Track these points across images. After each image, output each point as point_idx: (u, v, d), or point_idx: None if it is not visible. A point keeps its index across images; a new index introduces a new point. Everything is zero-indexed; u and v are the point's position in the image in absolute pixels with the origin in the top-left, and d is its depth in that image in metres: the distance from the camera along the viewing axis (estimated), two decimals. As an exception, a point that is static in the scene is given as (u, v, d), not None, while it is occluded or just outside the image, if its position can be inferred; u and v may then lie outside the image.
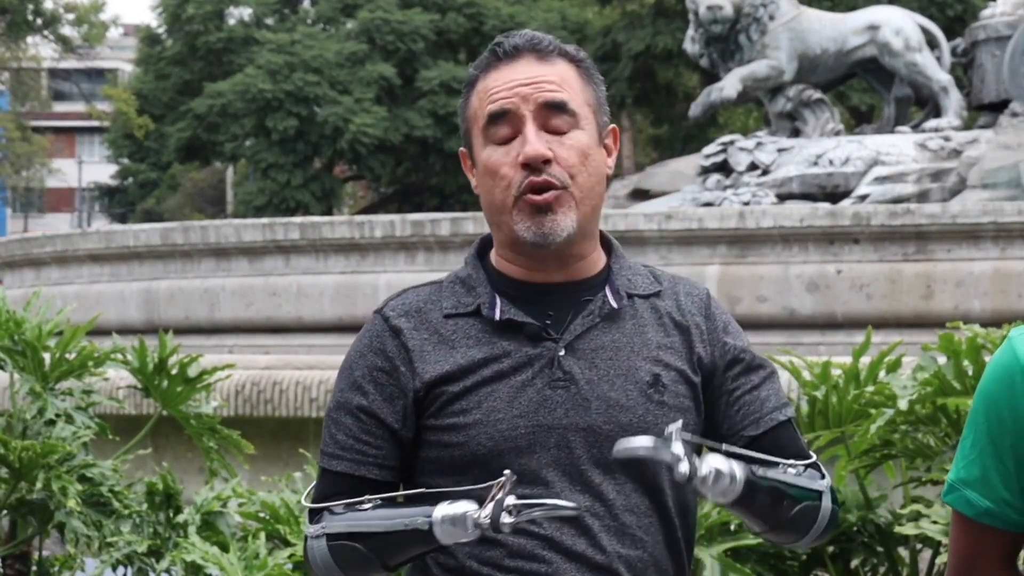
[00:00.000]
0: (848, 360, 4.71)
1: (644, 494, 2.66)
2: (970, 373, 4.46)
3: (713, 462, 2.53)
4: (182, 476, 5.82)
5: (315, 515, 2.68)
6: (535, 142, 2.62)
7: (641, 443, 2.47)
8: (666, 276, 2.80)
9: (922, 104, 14.61)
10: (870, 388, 4.54)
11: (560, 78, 2.67)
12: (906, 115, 14.76)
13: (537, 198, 2.62)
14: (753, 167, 13.36)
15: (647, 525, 2.64)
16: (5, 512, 5.25)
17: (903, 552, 4.64)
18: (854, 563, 4.63)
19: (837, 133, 14.17)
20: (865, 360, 4.66)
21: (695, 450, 2.57)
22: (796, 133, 14.24)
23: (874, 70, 14.34)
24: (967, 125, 14.19)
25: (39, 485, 5.00)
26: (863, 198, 12.57)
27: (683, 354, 2.72)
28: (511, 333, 2.66)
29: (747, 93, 14.30)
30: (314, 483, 2.75)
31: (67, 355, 5.36)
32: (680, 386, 2.70)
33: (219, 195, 52.98)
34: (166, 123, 42.08)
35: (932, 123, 13.72)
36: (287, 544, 4.68)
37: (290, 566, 4.55)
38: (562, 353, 2.65)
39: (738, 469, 2.55)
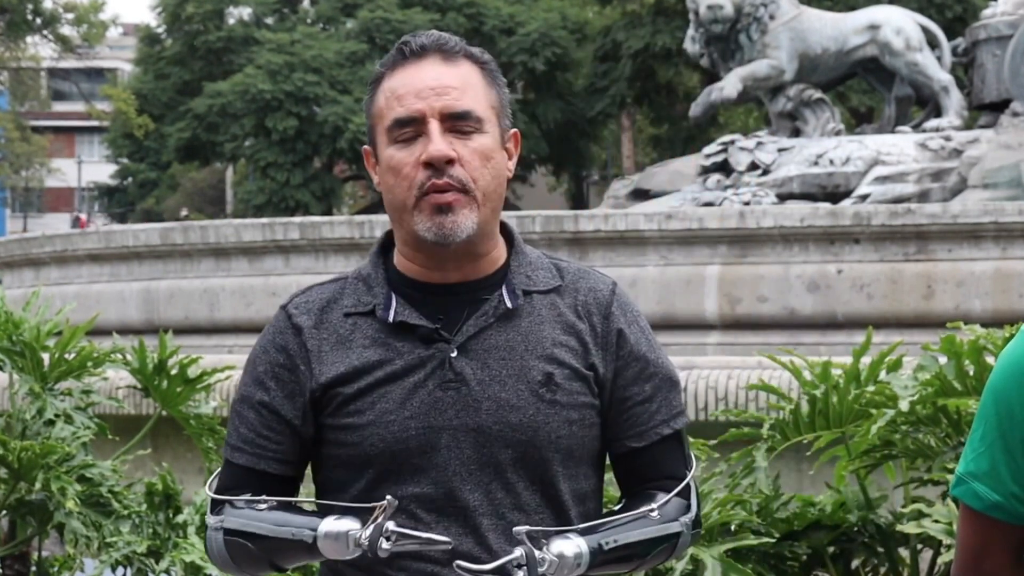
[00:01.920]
0: (849, 360, 4.70)
1: (535, 491, 2.69)
2: (971, 373, 4.45)
3: (557, 548, 2.57)
4: (182, 476, 5.81)
5: (216, 506, 2.74)
6: (439, 142, 2.65)
7: (478, 568, 2.55)
8: (571, 270, 2.80)
9: (923, 104, 14.61)
10: (871, 388, 4.54)
11: (464, 82, 2.70)
12: (907, 115, 14.76)
13: (439, 198, 2.65)
14: (753, 167, 13.36)
15: (538, 522, 2.66)
16: (4, 512, 5.24)
17: (904, 552, 4.63)
18: (855, 563, 4.63)
19: (838, 133, 14.17)
20: (866, 360, 4.66)
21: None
22: (797, 133, 14.24)
23: (875, 70, 14.34)
24: (968, 125, 14.19)
25: (38, 485, 5.00)
26: (864, 198, 12.57)
27: (579, 352, 2.73)
28: (405, 334, 2.70)
29: (747, 93, 14.30)
30: (218, 472, 2.79)
31: (66, 355, 5.35)
32: (575, 383, 2.71)
33: (219, 195, 52.99)
34: (166, 123, 42.09)
35: (933, 123, 13.72)
36: (287, 544, 4.67)
37: (290, 567, 4.54)
38: (454, 354, 2.68)
39: (584, 545, 2.59)
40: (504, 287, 2.73)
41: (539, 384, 2.69)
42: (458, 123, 2.67)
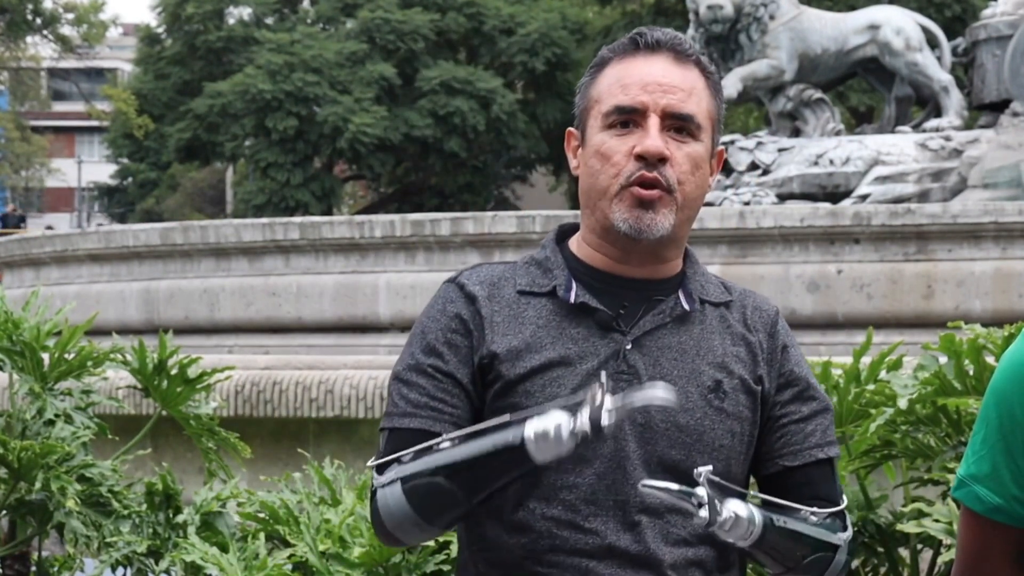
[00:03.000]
0: (849, 360, 4.70)
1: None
2: (971, 373, 4.45)
3: (733, 506, 2.55)
4: (182, 476, 5.81)
5: (382, 470, 2.62)
6: (656, 138, 2.64)
7: (665, 485, 2.48)
8: (737, 288, 2.81)
9: (923, 104, 14.60)
10: (871, 388, 4.53)
11: (691, 86, 2.69)
12: (907, 115, 14.75)
13: (643, 192, 2.64)
14: (753, 167, 13.36)
15: (692, 529, 2.63)
16: (4, 512, 5.24)
17: (904, 552, 4.63)
18: (855, 563, 4.62)
19: (838, 133, 14.16)
20: (866, 360, 4.66)
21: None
22: (797, 133, 14.23)
23: (875, 70, 14.33)
24: (968, 125, 14.18)
25: (38, 485, 4.99)
26: (864, 198, 12.57)
27: (747, 364, 2.73)
28: (582, 319, 2.67)
29: (747, 93, 14.30)
30: (378, 446, 2.68)
31: (66, 355, 5.35)
32: (741, 395, 2.70)
33: (219, 195, 52.98)
34: (166, 123, 42.06)
35: (933, 123, 13.72)
36: (287, 544, 4.67)
37: (290, 566, 4.54)
38: (628, 347, 2.66)
39: (757, 514, 2.57)
40: (681, 291, 2.72)
41: (708, 389, 2.68)
42: (677, 124, 2.67)
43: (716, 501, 2.51)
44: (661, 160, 2.64)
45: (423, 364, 2.67)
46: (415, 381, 2.67)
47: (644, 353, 2.66)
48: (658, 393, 2.47)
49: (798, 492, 2.74)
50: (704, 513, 2.48)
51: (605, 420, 2.44)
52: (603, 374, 2.52)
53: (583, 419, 2.45)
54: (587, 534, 2.61)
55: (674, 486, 2.48)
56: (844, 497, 2.80)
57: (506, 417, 2.55)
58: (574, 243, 2.76)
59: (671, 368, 2.67)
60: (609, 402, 2.45)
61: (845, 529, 2.75)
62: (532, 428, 2.49)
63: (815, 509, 2.71)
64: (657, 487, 2.48)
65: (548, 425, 2.47)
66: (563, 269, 2.71)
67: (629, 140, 2.66)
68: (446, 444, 2.58)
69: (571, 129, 2.78)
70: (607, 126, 2.68)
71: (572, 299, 2.67)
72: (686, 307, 2.71)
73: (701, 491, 2.49)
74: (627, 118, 2.66)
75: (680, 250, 2.76)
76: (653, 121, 2.65)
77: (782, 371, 2.75)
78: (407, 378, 2.68)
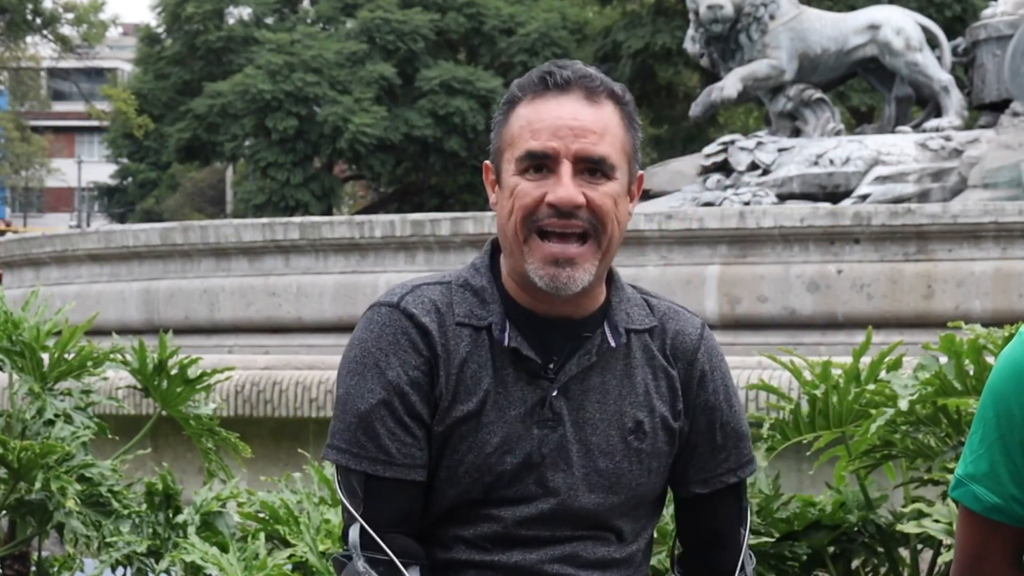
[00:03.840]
0: (849, 360, 4.69)
1: (608, 529, 2.73)
2: (971, 373, 4.44)
3: None
4: (182, 476, 5.81)
5: (367, 545, 2.62)
6: (569, 186, 2.61)
7: None
8: (661, 308, 2.78)
9: (923, 104, 14.60)
10: (871, 388, 4.53)
11: (604, 126, 2.65)
12: (907, 115, 14.75)
13: (561, 250, 2.61)
14: (754, 167, 13.35)
15: (604, 552, 2.71)
16: (4, 512, 5.24)
17: (904, 552, 4.63)
18: (855, 563, 4.62)
19: (838, 133, 14.16)
20: (866, 360, 4.65)
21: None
22: (797, 133, 14.23)
23: (875, 70, 14.33)
24: (968, 125, 14.18)
25: (38, 485, 4.99)
26: (864, 198, 12.56)
27: (667, 399, 2.74)
28: (513, 362, 2.67)
29: (747, 93, 14.29)
30: (349, 481, 2.67)
31: (66, 355, 5.35)
32: (660, 432, 2.73)
33: (219, 195, 52.97)
34: (166, 123, 42.06)
35: (933, 123, 13.71)
36: (287, 544, 4.67)
37: (290, 567, 4.54)
38: (555, 394, 2.67)
39: None
40: (606, 324, 2.70)
41: (629, 431, 2.70)
42: (591, 167, 2.63)
43: None
44: (577, 207, 2.61)
45: (392, 405, 2.64)
46: (386, 423, 2.64)
47: (569, 398, 2.67)
48: None
49: (704, 520, 2.82)
50: None
51: None
52: None
53: None
54: (494, 555, 2.66)
55: None
56: (748, 515, 2.83)
57: None
58: (504, 270, 2.72)
59: (594, 412, 2.68)
60: None
61: (751, 560, 2.86)
62: None
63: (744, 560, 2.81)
64: None
65: None
66: (498, 304, 2.68)
67: (542, 186, 2.62)
68: None
69: (487, 163, 2.74)
70: (520, 170, 2.64)
71: (506, 342, 2.66)
72: (612, 343, 2.70)
73: None
74: (540, 163, 2.62)
75: (602, 285, 2.73)
76: (565, 168, 2.61)
77: (697, 402, 2.76)
78: (378, 418, 2.64)
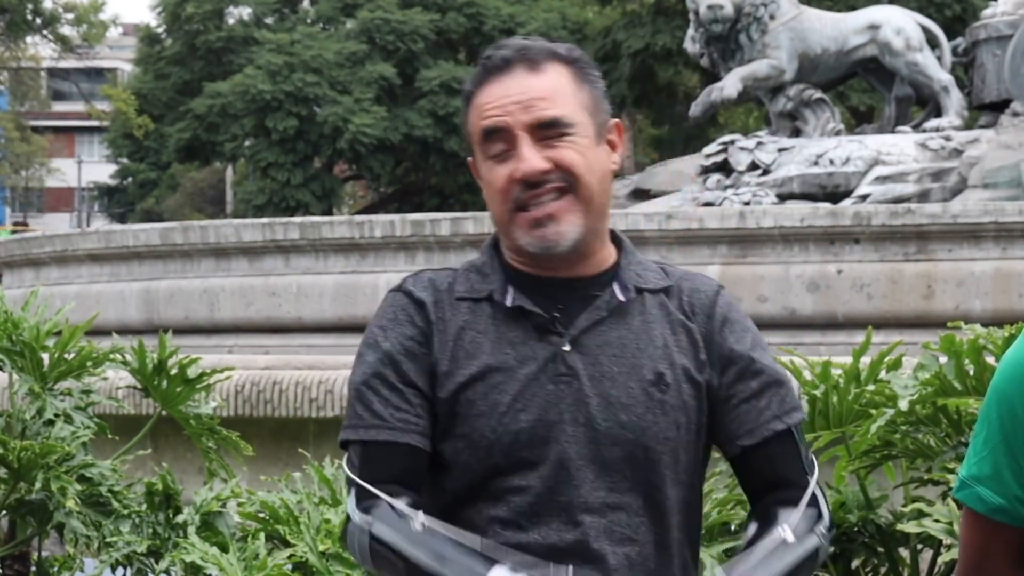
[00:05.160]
0: (849, 360, 4.69)
1: (639, 494, 2.66)
2: (971, 373, 4.44)
3: None
4: (182, 476, 5.81)
5: (363, 497, 2.65)
6: (530, 158, 2.64)
7: None
8: (677, 272, 2.79)
9: (923, 104, 14.60)
10: (871, 388, 4.53)
11: (551, 89, 2.67)
12: (907, 115, 14.75)
13: (539, 211, 2.64)
14: (754, 167, 13.36)
15: (637, 524, 2.64)
16: (4, 512, 5.24)
17: (904, 552, 4.63)
18: (855, 563, 4.62)
19: (838, 133, 14.16)
20: (866, 360, 4.65)
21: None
22: (797, 133, 14.23)
23: (875, 70, 14.33)
24: (968, 125, 14.18)
25: (38, 485, 4.99)
26: (864, 198, 12.57)
27: (689, 352, 2.71)
28: (520, 323, 2.68)
29: (747, 93, 14.30)
30: (349, 456, 2.70)
31: (66, 355, 5.35)
32: (684, 384, 2.69)
33: (219, 195, 52.97)
34: (166, 123, 42.07)
35: (933, 123, 13.72)
36: (287, 544, 4.67)
37: (290, 567, 4.54)
38: (567, 348, 2.66)
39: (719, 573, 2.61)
40: (616, 283, 2.71)
41: (650, 383, 2.67)
42: (549, 131, 2.65)
43: None
44: (544, 173, 2.64)
45: (385, 374, 2.67)
46: (379, 391, 2.67)
47: (583, 353, 2.66)
48: None
49: (764, 473, 2.72)
50: None
51: None
52: (570, 570, 2.56)
53: None
54: (530, 534, 2.62)
55: None
56: (814, 465, 2.75)
57: (478, 540, 2.60)
58: (506, 252, 2.76)
59: (611, 365, 2.66)
60: None
61: (820, 515, 2.71)
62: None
63: (790, 523, 2.67)
64: None
65: None
66: (499, 273, 2.71)
67: (509, 165, 2.66)
68: (417, 525, 2.60)
69: (470, 160, 2.78)
70: (488, 156, 2.68)
71: (509, 302, 2.68)
72: (621, 298, 2.70)
73: None
74: (501, 144, 2.66)
75: (602, 242, 2.74)
76: (523, 140, 2.65)
77: (722, 352, 2.72)
78: (370, 386, 2.68)
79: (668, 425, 2.66)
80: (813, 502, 2.71)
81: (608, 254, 2.75)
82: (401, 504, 2.62)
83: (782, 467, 2.72)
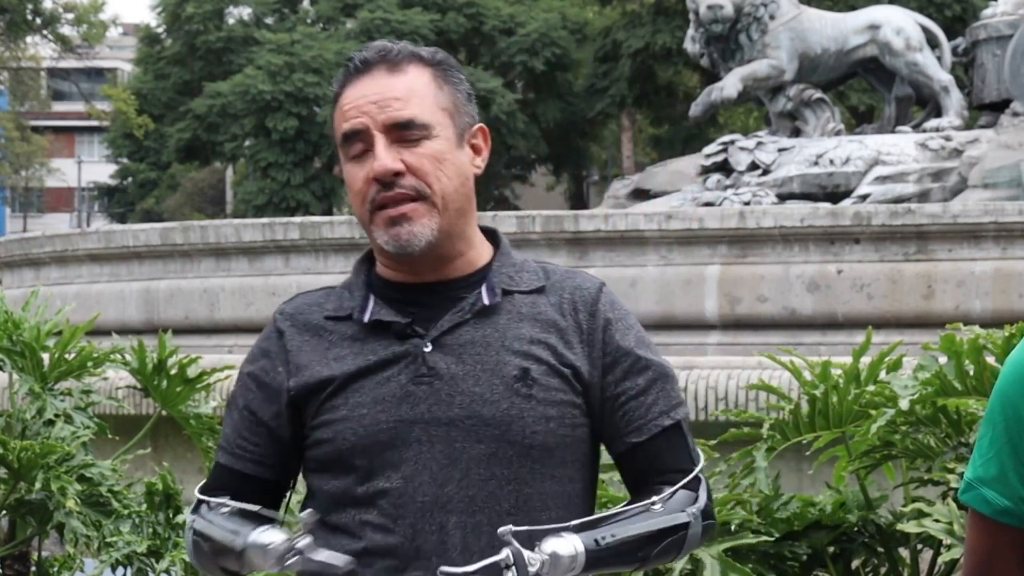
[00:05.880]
0: (849, 360, 4.69)
1: (511, 490, 2.66)
2: (971, 373, 4.44)
3: (548, 547, 2.53)
4: (182, 476, 5.81)
5: (197, 505, 2.79)
6: (383, 158, 2.66)
7: (464, 570, 2.51)
8: (558, 272, 2.79)
9: (923, 104, 14.61)
10: (871, 388, 4.53)
11: (408, 90, 2.70)
12: (907, 115, 14.76)
13: (392, 211, 2.67)
14: (754, 167, 13.36)
15: (510, 522, 2.59)
16: (4, 512, 5.24)
17: (904, 552, 4.63)
18: (855, 563, 4.62)
19: (838, 133, 14.16)
20: (866, 360, 4.65)
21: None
22: (797, 133, 14.23)
23: (875, 70, 14.34)
24: (968, 125, 14.19)
25: (38, 485, 4.99)
26: (864, 198, 12.57)
27: (556, 350, 2.71)
28: (381, 333, 2.70)
29: (747, 93, 14.30)
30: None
31: (66, 355, 5.35)
32: (552, 380, 2.69)
33: (219, 195, 52.98)
34: (166, 123, 42.09)
35: (933, 123, 13.72)
36: (287, 544, 4.67)
37: (290, 567, 4.54)
38: (428, 349, 2.68)
39: (578, 542, 2.55)
40: (484, 285, 2.72)
41: (514, 379, 2.67)
42: (404, 133, 2.67)
43: (523, 554, 2.49)
44: (397, 175, 2.66)
45: (236, 399, 2.81)
46: (231, 415, 2.81)
47: (446, 353, 2.67)
48: (335, 562, 2.57)
49: (650, 467, 2.72)
50: (512, 573, 2.48)
51: (288, 563, 2.60)
52: (308, 511, 2.63)
53: (281, 551, 2.60)
54: (396, 536, 2.64)
55: (474, 566, 2.51)
56: (699, 456, 2.76)
57: (256, 508, 2.73)
58: (377, 260, 2.80)
59: (474, 363, 2.67)
60: (302, 542, 2.58)
61: (698, 498, 2.70)
62: (251, 539, 2.64)
63: (663, 495, 2.67)
64: (457, 573, 2.50)
65: (262, 542, 2.63)
66: (362, 289, 2.75)
67: (365, 165, 2.68)
68: (224, 510, 2.73)
69: (337, 166, 2.84)
70: (348, 157, 2.71)
71: (366, 318, 2.71)
72: (486, 301, 2.71)
73: (505, 551, 2.49)
74: (359, 144, 2.69)
75: (468, 243, 2.75)
76: (379, 140, 2.67)
77: (606, 349, 2.72)
78: (229, 408, 2.83)
79: (535, 419, 2.66)
80: (694, 487, 2.71)
81: (478, 256, 2.76)
82: (217, 499, 2.75)
83: (669, 460, 2.73)
